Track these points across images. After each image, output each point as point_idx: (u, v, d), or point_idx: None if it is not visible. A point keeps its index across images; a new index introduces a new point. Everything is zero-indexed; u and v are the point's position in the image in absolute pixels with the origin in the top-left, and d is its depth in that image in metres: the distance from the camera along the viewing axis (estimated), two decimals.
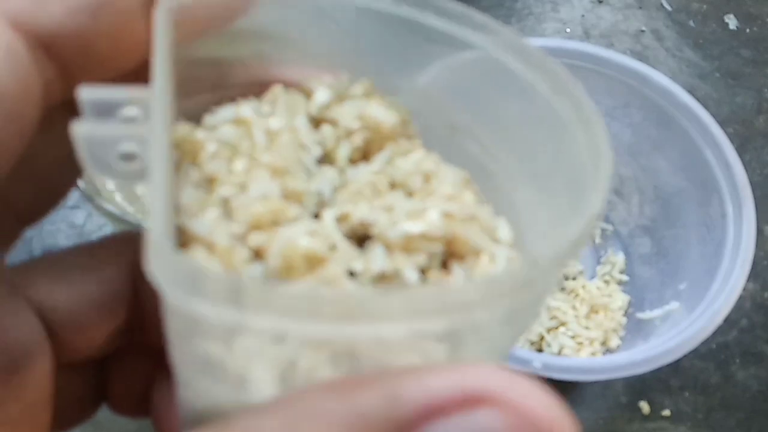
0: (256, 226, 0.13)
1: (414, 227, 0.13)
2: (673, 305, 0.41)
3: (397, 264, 0.13)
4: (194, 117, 0.15)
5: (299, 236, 0.12)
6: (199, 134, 0.14)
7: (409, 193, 0.15)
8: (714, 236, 0.40)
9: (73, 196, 0.46)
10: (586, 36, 0.58)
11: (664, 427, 0.44)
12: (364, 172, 0.15)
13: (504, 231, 0.14)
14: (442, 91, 0.16)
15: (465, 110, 0.16)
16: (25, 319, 0.14)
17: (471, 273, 0.13)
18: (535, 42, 0.43)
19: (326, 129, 0.15)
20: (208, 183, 0.13)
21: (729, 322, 0.45)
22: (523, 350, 0.40)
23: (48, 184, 0.15)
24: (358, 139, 0.15)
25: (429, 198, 0.14)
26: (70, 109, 0.14)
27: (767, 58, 0.58)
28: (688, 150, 0.42)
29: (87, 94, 0.12)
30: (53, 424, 0.15)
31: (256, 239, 0.13)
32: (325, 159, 0.15)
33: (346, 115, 0.15)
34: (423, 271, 0.14)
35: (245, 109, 0.14)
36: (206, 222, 0.12)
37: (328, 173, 0.15)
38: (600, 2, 0.60)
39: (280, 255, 0.12)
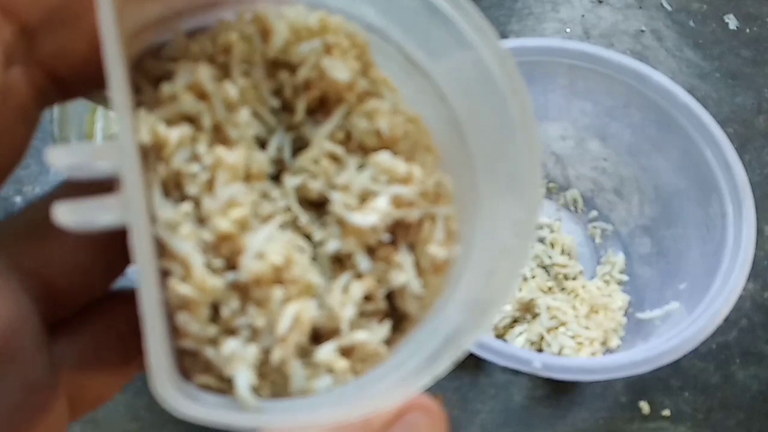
0: (225, 238, 0.14)
1: (365, 219, 0.15)
2: (673, 305, 0.41)
3: (350, 248, 0.15)
4: (140, 57, 0.15)
5: (266, 248, 0.14)
6: (162, 129, 0.14)
7: (365, 151, 0.16)
8: (714, 236, 0.40)
9: None
10: (586, 36, 0.58)
11: (664, 427, 0.44)
12: (320, 134, 0.15)
13: (446, 187, 0.16)
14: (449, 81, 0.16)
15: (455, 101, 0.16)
16: (10, 297, 0.14)
17: (415, 246, 0.15)
18: (535, 42, 0.43)
19: (284, 77, 0.15)
20: (176, 178, 0.14)
21: (729, 322, 0.45)
22: (523, 350, 0.40)
23: (9, 139, 0.14)
24: (315, 92, 0.15)
25: (380, 172, 0.15)
26: (31, 64, 0.13)
27: (767, 58, 0.58)
28: (688, 150, 0.42)
29: (58, 159, 0.12)
30: (91, 398, 0.15)
31: (227, 250, 0.14)
32: (283, 105, 0.16)
33: (304, 64, 0.15)
34: (374, 249, 0.15)
35: (201, 73, 0.14)
36: (182, 243, 0.13)
37: (290, 129, 0.16)
38: (600, 2, 0.60)
39: (248, 271, 0.14)
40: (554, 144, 0.49)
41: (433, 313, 0.15)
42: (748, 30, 0.59)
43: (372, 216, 0.15)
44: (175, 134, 0.14)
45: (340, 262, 0.15)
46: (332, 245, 0.15)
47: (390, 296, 0.16)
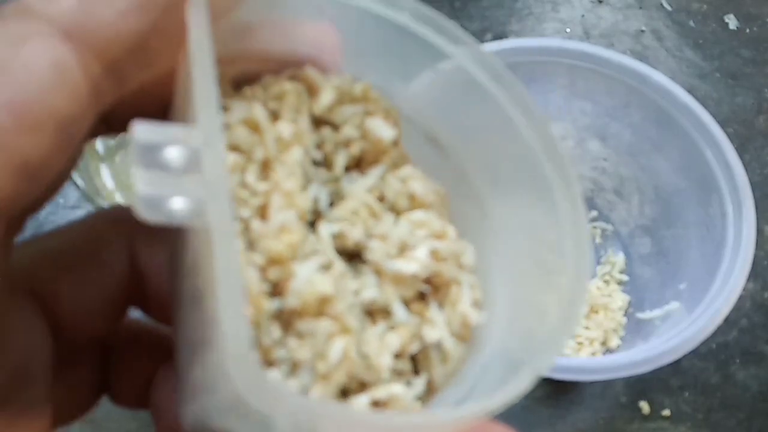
0: (274, 261, 0.14)
1: (406, 267, 0.14)
2: (673, 305, 0.41)
3: (387, 296, 0.15)
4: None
5: (314, 277, 0.14)
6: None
7: (397, 212, 0.16)
8: (714, 236, 0.40)
9: (73, 196, 0.46)
10: (586, 36, 0.58)
11: (664, 427, 0.44)
12: (359, 188, 0.16)
13: (469, 256, 0.16)
14: (426, 100, 0.17)
15: (443, 122, 0.17)
16: (27, 320, 0.14)
17: (443, 306, 0.15)
18: (535, 42, 0.43)
19: (326, 133, 0.16)
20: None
21: (729, 322, 0.45)
22: None
23: (50, 172, 0.14)
24: (355, 149, 0.16)
25: (417, 226, 0.15)
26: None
27: (767, 58, 0.58)
28: (688, 150, 0.42)
29: (138, 134, 0.12)
30: (54, 419, 0.15)
31: (275, 274, 0.14)
32: (321, 161, 0.16)
33: (348, 123, 0.16)
34: (406, 302, 0.15)
35: (257, 110, 0.15)
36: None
37: (326, 183, 0.16)
38: (600, 2, 0.60)
39: (298, 296, 0.13)
40: None
41: (455, 383, 0.15)
42: (748, 30, 0.59)
43: (413, 264, 0.15)
44: (229, 158, 0.14)
45: (371, 316, 0.15)
46: (369, 293, 0.15)
47: (413, 362, 0.15)
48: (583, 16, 0.59)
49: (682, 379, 0.45)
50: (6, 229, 0.12)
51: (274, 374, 0.13)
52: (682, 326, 0.37)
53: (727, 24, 0.60)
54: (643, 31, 0.59)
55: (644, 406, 0.44)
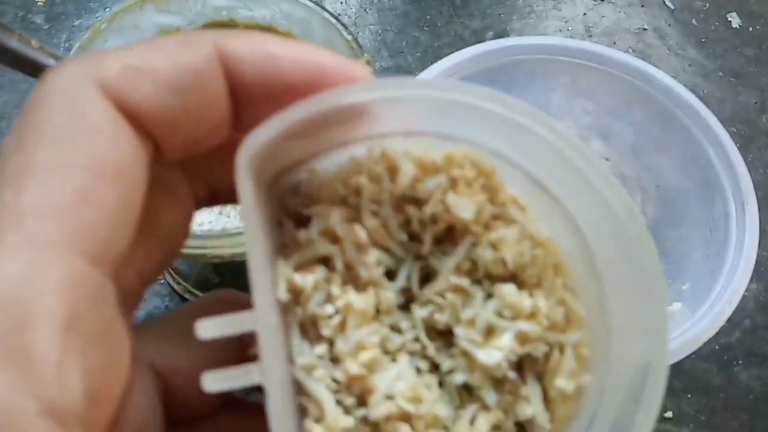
0: (356, 378, 0.15)
1: (488, 358, 0.15)
2: (676, 306, 0.41)
3: (476, 381, 0.15)
4: (282, 194, 0.16)
5: (395, 387, 0.15)
6: (298, 279, 0.15)
7: (491, 279, 0.16)
8: (717, 236, 0.39)
9: None
10: (588, 34, 0.58)
11: (667, 429, 0.43)
12: (447, 268, 0.16)
13: (577, 312, 0.16)
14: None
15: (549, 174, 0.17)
16: (146, 390, 0.15)
17: (543, 377, 0.15)
18: (537, 40, 0.43)
19: (411, 211, 0.16)
20: (312, 319, 0.15)
21: (732, 323, 0.45)
22: None
23: (169, 244, 0.17)
24: (441, 225, 0.16)
25: (505, 307, 0.16)
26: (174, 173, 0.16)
27: None
28: (690, 149, 0.41)
29: (205, 332, 0.14)
30: None
31: (357, 389, 0.15)
32: (411, 236, 0.16)
33: (430, 201, 0.16)
34: (501, 381, 0.15)
35: (333, 219, 0.15)
36: (316, 385, 0.15)
37: (418, 259, 0.16)
38: (602, 0, 0.59)
39: (380, 410, 0.14)
40: None
41: None
42: (751, 28, 0.59)
43: (496, 354, 0.15)
44: (309, 281, 0.15)
45: (467, 389, 0.16)
46: (459, 378, 0.15)
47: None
48: (584, 14, 0.59)
49: (685, 381, 0.44)
50: (123, 295, 0.14)
51: None
52: (685, 327, 0.36)
53: (730, 22, 0.59)
54: (645, 29, 0.58)
55: None
